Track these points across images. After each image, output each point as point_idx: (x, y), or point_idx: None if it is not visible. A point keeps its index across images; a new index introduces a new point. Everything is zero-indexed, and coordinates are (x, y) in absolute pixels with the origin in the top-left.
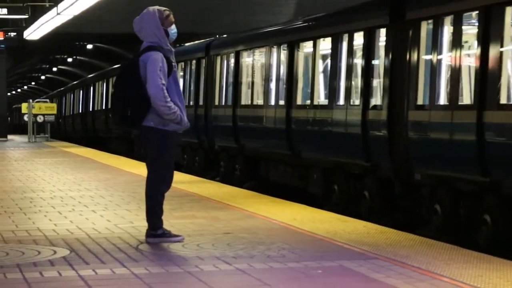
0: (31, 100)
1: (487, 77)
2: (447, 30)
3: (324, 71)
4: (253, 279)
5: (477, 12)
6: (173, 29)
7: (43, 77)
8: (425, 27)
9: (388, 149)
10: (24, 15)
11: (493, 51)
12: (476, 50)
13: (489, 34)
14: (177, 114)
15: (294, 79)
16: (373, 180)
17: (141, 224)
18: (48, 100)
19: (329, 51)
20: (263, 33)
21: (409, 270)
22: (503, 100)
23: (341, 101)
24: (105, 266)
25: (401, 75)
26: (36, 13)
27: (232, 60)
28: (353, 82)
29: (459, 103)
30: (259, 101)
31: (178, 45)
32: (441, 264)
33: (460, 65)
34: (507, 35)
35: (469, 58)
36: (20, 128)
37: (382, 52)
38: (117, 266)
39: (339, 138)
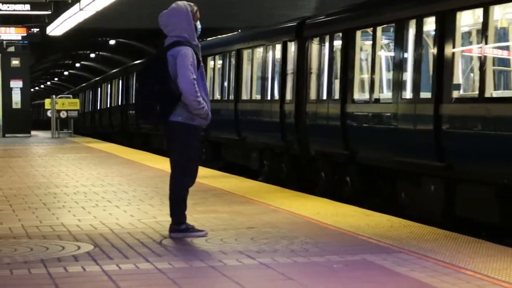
0: (54, 96)
1: (347, 79)
2: (327, 45)
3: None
4: (277, 273)
5: (340, 34)
6: (199, 25)
7: (66, 73)
8: (315, 42)
9: (296, 133)
10: (47, 11)
11: (349, 62)
12: (341, 59)
13: (347, 50)
14: (205, 109)
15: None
16: (288, 157)
17: (164, 219)
18: (71, 96)
19: (261, 59)
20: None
21: (433, 264)
22: (355, 96)
23: (269, 97)
24: (129, 261)
25: (302, 77)
26: (59, 9)
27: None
28: (275, 82)
29: (332, 98)
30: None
31: (201, 40)
32: (464, 257)
33: (334, 70)
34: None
35: (337, 64)
36: (42, 124)
37: (291, 59)
38: (141, 261)
39: (266, 126)
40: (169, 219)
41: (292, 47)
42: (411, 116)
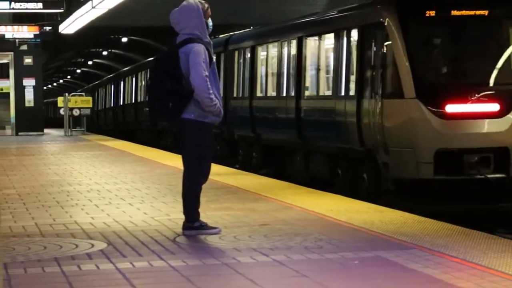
0: (67, 94)
1: (252, 82)
2: (242, 56)
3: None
4: (291, 270)
5: (248, 48)
6: (210, 22)
7: (78, 71)
8: (235, 54)
9: (225, 123)
10: (60, 9)
11: (253, 69)
12: (249, 67)
13: (252, 61)
14: (218, 106)
15: None
16: (223, 141)
17: (178, 216)
18: (83, 93)
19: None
20: None
21: (447, 260)
22: (257, 94)
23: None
24: (143, 259)
25: (228, 80)
26: (71, 7)
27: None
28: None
29: (244, 95)
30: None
31: (213, 37)
32: (478, 253)
33: (245, 75)
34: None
35: (247, 71)
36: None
37: (222, 66)
38: (155, 258)
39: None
40: (183, 216)
41: (222, 57)
42: (285, 108)
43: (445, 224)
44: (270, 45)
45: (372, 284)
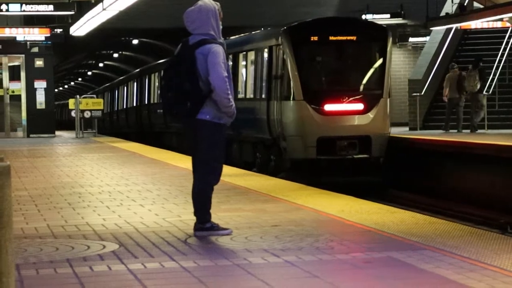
0: (78, 96)
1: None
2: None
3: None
4: (302, 271)
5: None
6: (220, 25)
7: (89, 73)
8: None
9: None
10: (70, 11)
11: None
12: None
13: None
14: (233, 107)
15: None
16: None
17: (189, 217)
18: (95, 95)
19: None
20: None
21: (459, 261)
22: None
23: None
24: (154, 260)
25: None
26: (82, 9)
27: None
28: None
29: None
30: None
31: (225, 38)
32: (491, 254)
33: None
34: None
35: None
36: (66, 124)
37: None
38: (166, 259)
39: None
40: (194, 217)
41: None
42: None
43: (456, 224)
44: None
45: (384, 285)
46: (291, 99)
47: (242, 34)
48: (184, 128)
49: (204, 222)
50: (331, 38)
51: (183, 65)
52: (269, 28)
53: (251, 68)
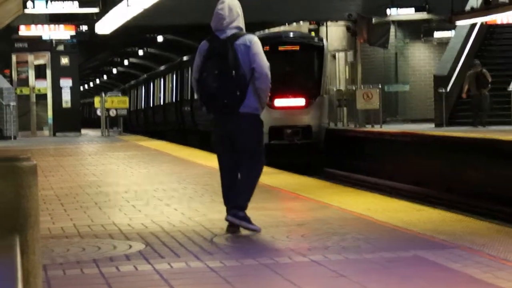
0: (103, 94)
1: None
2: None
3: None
4: (329, 270)
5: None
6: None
7: (114, 70)
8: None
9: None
10: (95, 8)
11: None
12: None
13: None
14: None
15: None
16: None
17: (215, 217)
18: (120, 93)
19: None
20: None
21: (487, 259)
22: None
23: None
24: (180, 260)
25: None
26: (107, 6)
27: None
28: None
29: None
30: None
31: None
32: None
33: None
34: None
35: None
36: (91, 122)
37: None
38: (192, 259)
39: None
40: (219, 217)
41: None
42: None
43: (484, 222)
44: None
45: (411, 284)
46: None
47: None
48: (220, 120)
49: (241, 209)
50: (280, 48)
51: (225, 57)
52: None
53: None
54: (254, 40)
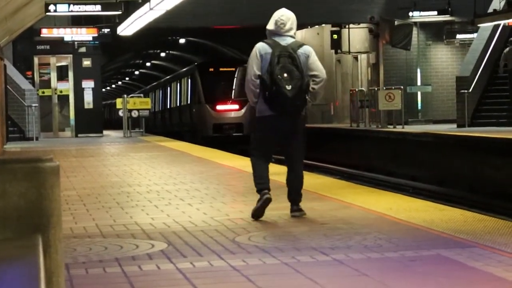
0: (125, 96)
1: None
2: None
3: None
4: (351, 269)
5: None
6: None
7: (136, 72)
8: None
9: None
10: (117, 11)
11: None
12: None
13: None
14: None
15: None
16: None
17: (237, 216)
18: (142, 95)
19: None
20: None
21: (508, 258)
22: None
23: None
24: (203, 259)
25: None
26: (129, 8)
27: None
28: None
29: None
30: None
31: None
32: None
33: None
34: None
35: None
36: (114, 124)
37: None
38: (215, 258)
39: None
40: (241, 216)
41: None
42: (177, 113)
43: (506, 222)
44: (168, 84)
45: (433, 283)
46: (199, 103)
47: (176, 72)
48: (277, 120)
49: (299, 204)
50: (221, 69)
51: (295, 63)
52: (189, 67)
53: (185, 87)
54: (311, 50)
